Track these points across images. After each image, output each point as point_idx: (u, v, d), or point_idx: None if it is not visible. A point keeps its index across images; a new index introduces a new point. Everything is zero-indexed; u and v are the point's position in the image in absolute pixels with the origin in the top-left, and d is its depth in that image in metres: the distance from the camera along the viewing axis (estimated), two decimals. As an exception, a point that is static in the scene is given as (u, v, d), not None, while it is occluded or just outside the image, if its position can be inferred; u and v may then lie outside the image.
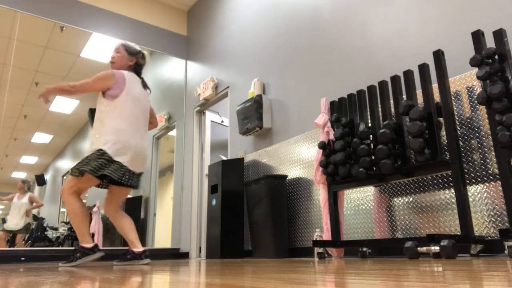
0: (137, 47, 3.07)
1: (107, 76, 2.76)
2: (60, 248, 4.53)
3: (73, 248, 2.66)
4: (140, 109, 2.89)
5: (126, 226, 2.85)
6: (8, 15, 4.59)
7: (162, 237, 5.44)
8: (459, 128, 2.31)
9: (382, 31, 2.93)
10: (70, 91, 2.73)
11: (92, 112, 3.03)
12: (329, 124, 2.85)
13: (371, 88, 2.59)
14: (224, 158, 5.18)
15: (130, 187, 2.88)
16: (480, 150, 2.20)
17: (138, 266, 2.40)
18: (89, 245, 2.64)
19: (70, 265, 2.55)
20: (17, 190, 4.51)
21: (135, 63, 3.00)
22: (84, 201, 5.02)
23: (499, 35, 1.97)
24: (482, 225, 2.13)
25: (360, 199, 2.86)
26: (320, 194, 2.82)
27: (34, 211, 4.58)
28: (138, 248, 2.77)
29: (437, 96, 2.41)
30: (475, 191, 2.19)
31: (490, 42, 2.21)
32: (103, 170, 2.59)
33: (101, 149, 2.63)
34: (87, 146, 2.76)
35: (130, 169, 2.73)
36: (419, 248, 1.94)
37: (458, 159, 2.07)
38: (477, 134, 2.22)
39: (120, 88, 2.79)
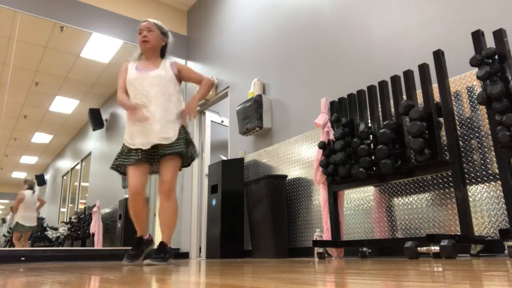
0: (165, 27, 2.92)
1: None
2: (60, 248, 4.53)
3: (157, 247, 2.55)
4: None
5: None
6: (8, 15, 4.59)
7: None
8: (459, 128, 2.31)
9: (382, 31, 2.93)
10: (211, 87, 2.86)
11: (92, 112, 3.03)
12: (329, 124, 2.85)
13: (371, 88, 2.59)
14: (224, 158, 5.18)
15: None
16: (480, 150, 2.20)
17: (140, 266, 2.40)
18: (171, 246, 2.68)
19: (162, 263, 2.48)
20: (21, 188, 4.53)
21: (165, 45, 2.86)
22: (83, 200, 5.02)
23: (499, 35, 1.97)
24: (482, 225, 2.13)
25: (360, 199, 2.86)
26: (320, 194, 2.82)
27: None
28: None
29: (437, 96, 2.40)
30: (475, 191, 2.19)
31: (490, 42, 2.21)
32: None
33: (186, 129, 2.77)
34: (171, 125, 2.70)
35: None
36: (419, 248, 1.94)
37: (458, 159, 2.07)
38: (477, 134, 2.23)
39: None
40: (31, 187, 4.57)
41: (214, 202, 3.99)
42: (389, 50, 2.86)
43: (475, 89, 2.27)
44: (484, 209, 2.13)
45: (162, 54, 2.88)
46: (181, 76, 2.87)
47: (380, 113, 2.53)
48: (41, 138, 4.84)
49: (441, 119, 2.29)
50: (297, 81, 3.69)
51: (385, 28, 2.91)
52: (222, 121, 5.66)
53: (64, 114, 5.04)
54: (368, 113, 2.74)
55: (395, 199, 2.63)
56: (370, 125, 2.64)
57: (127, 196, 5.36)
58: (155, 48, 2.77)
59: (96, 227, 4.78)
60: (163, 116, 2.66)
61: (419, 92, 2.52)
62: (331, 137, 2.79)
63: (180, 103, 2.81)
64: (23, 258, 3.98)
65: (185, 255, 5.05)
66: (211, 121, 5.53)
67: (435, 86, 2.44)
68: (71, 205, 4.93)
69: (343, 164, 2.62)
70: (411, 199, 2.53)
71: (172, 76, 2.78)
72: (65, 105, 5.01)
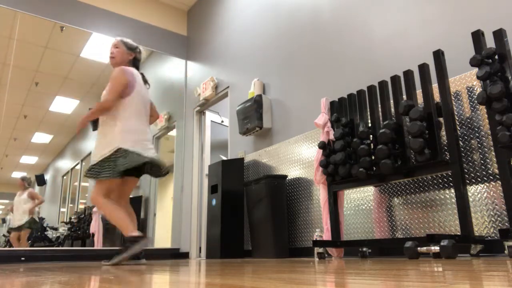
0: (134, 43, 3.13)
1: (122, 73, 2.84)
2: (60, 248, 4.53)
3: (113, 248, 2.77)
4: (144, 104, 2.99)
5: (130, 215, 2.93)
6: (8, 15, 4.59)
7: (162, 237, 5.44)
8: (459, 128, 2.31)
9: (382, 31, 2.93)
10: (106, 108, 2.79)
11: None
12: (329, 124, 2.85)
13: (371, 88, 2.59)
14: (224, 158, 5.18)
15: (153, 175, 3.00)
16: (480, 150, 2.20)
17: (133, 266, 2.40)
18: (135, 233, 2.66)
19: (124, 255, 2.58)
20: (18, 188, 4.52)
21: (134, 58, 3.07)
22: (83, 200, 5.02)
23: (499, 35, 1.97)
24: (482, 225, 2.13)
25: (360, 199, 2.86)
26: (320, 194, 2.81)
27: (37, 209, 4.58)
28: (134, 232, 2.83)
29: (437, 96, 2.40)
30: (475, 191, 2.19)
31: (490, 42, 2.21)
32: (125, 167, 2.70)
33: (120, 148, 2.74)
34: (101, 147, 2.83)
35: (148, 157, 2.85)
36: (419, 248, 1.94)
37: (458, 159, 2.07)
38: (477, 134, 2.23)
39: (133, 86, 2.89)
40: (29, 185, 4.57)
41: (214, 202, 3.99)
42: (389, 50, 2.86)
43: (475, 89, 2.27)
44: (484, 209, 2.13)
45: (136, 68, 3.09)
46: None
47: (380, 113, 2.53)
48: (41, 138, 4.84)
49: (441, 119, 2.29)
50: (297, 81, 3.69)
51: (385, 28, 2.91)
52: (222, 121, 5.66)
53: (64, 114, 5.04)
54: (368, 113, 2.74)
55: (395, 199, 2.63)
56: (370, 125, 2.64)
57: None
58: (120, 63, 2.98)
59: (96, 227, 4.78)
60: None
61: (419, 92, 2.52)
62: (331, 137, 2.79)
63: (120, 116, 2.86)
64: (23, 258, 3.98)
65: (185, 255, 5.05)
66: (211, 121, 5.53)
67: (435, 86, 2.44)
68: (71, 205, 4.93)
69: (343, 164, 2.62)
70: (411, 199, 2.53)
71: None
72: (65, 105, 5.01)
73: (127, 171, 2.88)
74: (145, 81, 3.09)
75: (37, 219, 4.53)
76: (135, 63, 3.09)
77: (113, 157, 2.73)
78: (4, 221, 4.39)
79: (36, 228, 4.49)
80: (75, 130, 2.90)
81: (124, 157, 2.72)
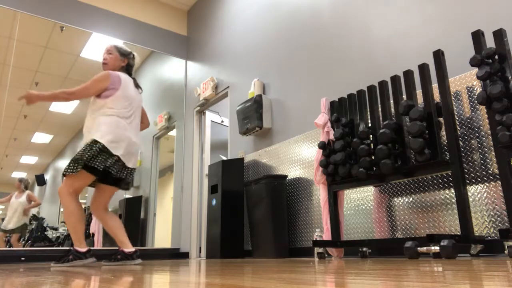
0: (128, 49, 3.13)
1: (104, 77, 2.81)
2: (60, 248, 4.53)
3: (67, 248, 2.73)
4: (133, 107, 2.94)
5: (117, 226, 2.87)
6: (8, 15, 4.59)
7: (162, 237, 5.44)
8: (459, 128, 2.31)
9: (382, 31, 2.93)
10: (66, 98, 2.74)
11: None
12: (329, 124, 2.85)
13: (371, 88, 2.59)
14: (224, 158, 5.18)
15: (125, 184, 2.96)
16: (480, 150, 2.20)
17: (131, 266, 2.40)
18: (82, 249, 2.66)
19: (61, 266, 2.58)
20: (16, 189, 4.51)
21: (127, 64, 3.07)
22: (83, 200, 5.02)
23: (499, 35, 1.97)
24: (482, 225, 2.13)
25: (360, 199, 2.86)
26: (320, 194, 2.81)
27: (34, 211, 4.58)
28: (129, 248, 2.79)
29: (437, 96, 2.40)
30: (475, 191, 2.19)
31: (490, 42, 2.21)
32: (101, 163, 2.62)
33: (95, 140, 2.66)
34: (81, 146, 2.83)
35: (126, 165, 2.79)
36: (419, 248, 1.94)
37: (458, 159, 2.07)
38: (477, 134, 2.22)
39: (116, 88, 2.84)
40: (26, 187, 4.56)
41: (214, 202, 3.99)
42: (389, 50, 2.86)
43: (475, 89, 2.27)
44: (484, 209, 2.13)
45: (128, 73, 3.08)
46: None
47: (380, 113, 2.53)
48: (41, 138, 4.84)
49: (441, 119, 2.29)
50: (297, 81, 3.69)
51: (385, 28, 2.91)
52: (222, 121, 5.66)
53: (64, 114, 5.04)
54: (368, 113, 2.74)
55: (395, 199, 2.63)
56: (370, 125, 2.64)
57: (127, 196, 5.36)
58: (112, 69, 2.99)
59: (96, 227, 4.78)
60: None
61: (419, 92, 2.52)
62: (331, 137, 2.79)
63: (101, 115, 2.80)
64: (23, 258, 3.98)
65: (185, 255, 5.05)
66: (211, 121, 5.53)
67: (435, 86, 2.44)
68: (71, 205, 4.92)
69: (343, 164, 2.62)
70: (411, 199, 2.53)
71: None
72: (65, 105, 5.01)
73: (102, 178, 2.85)
74: (137, 86, 3.05)
75: (27, 222, 4.51)
76: (128, 69, 3.09)
77: (89, 149, 2.64)
78: (3, 221, 4.39)
79: (26, 233, 4.48)
80: (22, 98, 2.77)
81: (99, 153, 2.64)
